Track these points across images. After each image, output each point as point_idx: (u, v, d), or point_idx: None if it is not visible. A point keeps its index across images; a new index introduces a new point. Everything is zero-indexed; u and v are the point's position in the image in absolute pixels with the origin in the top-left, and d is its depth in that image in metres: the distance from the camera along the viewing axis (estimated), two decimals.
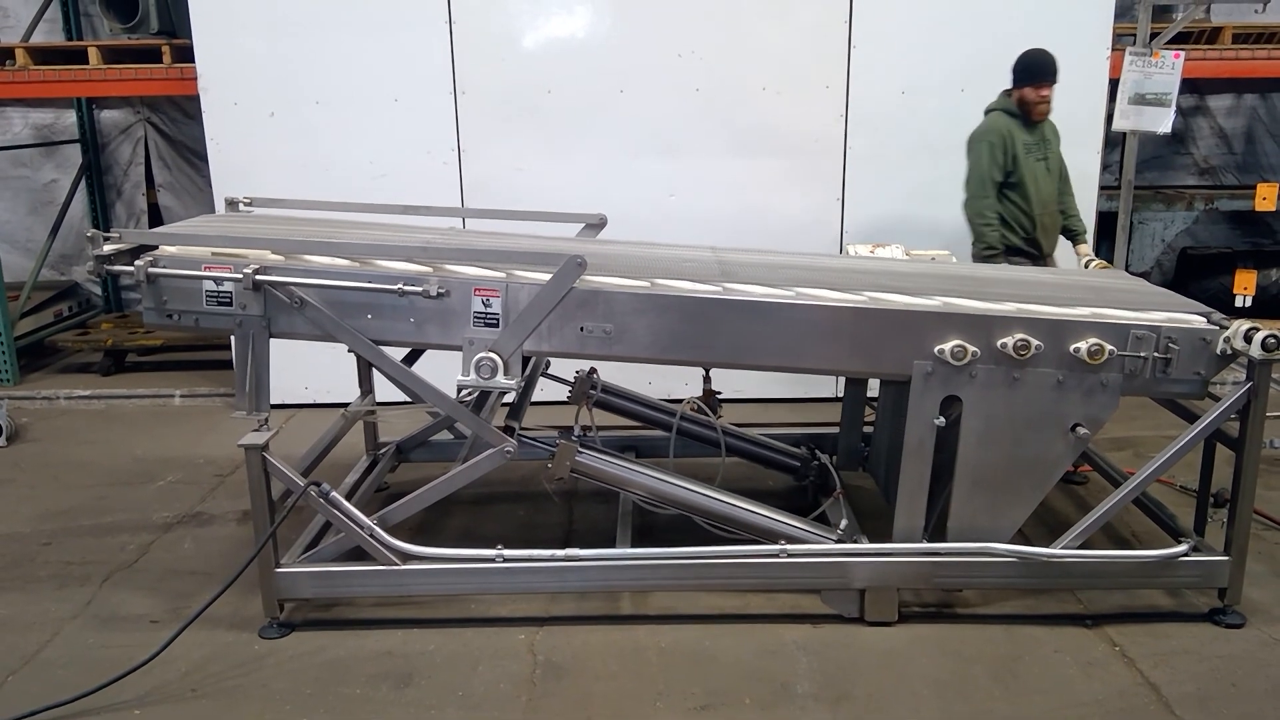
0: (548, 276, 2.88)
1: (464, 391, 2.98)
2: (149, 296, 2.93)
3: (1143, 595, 3.22)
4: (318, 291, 2.91)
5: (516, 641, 3.02)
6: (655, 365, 3.62)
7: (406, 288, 2.85)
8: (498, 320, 2.91)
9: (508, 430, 3.06)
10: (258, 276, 2.85)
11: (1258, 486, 3.02)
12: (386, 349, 3.02)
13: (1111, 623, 3.09)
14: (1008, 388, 2.95)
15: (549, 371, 3.86)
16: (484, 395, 3.26)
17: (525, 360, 3.00)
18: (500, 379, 2.88)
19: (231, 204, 3.80)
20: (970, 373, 2.93)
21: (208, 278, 2.90)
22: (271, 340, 2.96)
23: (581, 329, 2.92)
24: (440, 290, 2.87)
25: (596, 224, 3.87)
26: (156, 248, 2.99)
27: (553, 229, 3.94)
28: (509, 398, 3.35)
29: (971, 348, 2.89)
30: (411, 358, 3.53)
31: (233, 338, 2.97)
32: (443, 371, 3.08)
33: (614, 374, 3.72)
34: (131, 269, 2.88)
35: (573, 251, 2.90)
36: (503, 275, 2.95)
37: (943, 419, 2.95)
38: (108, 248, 2.92)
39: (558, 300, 2.87)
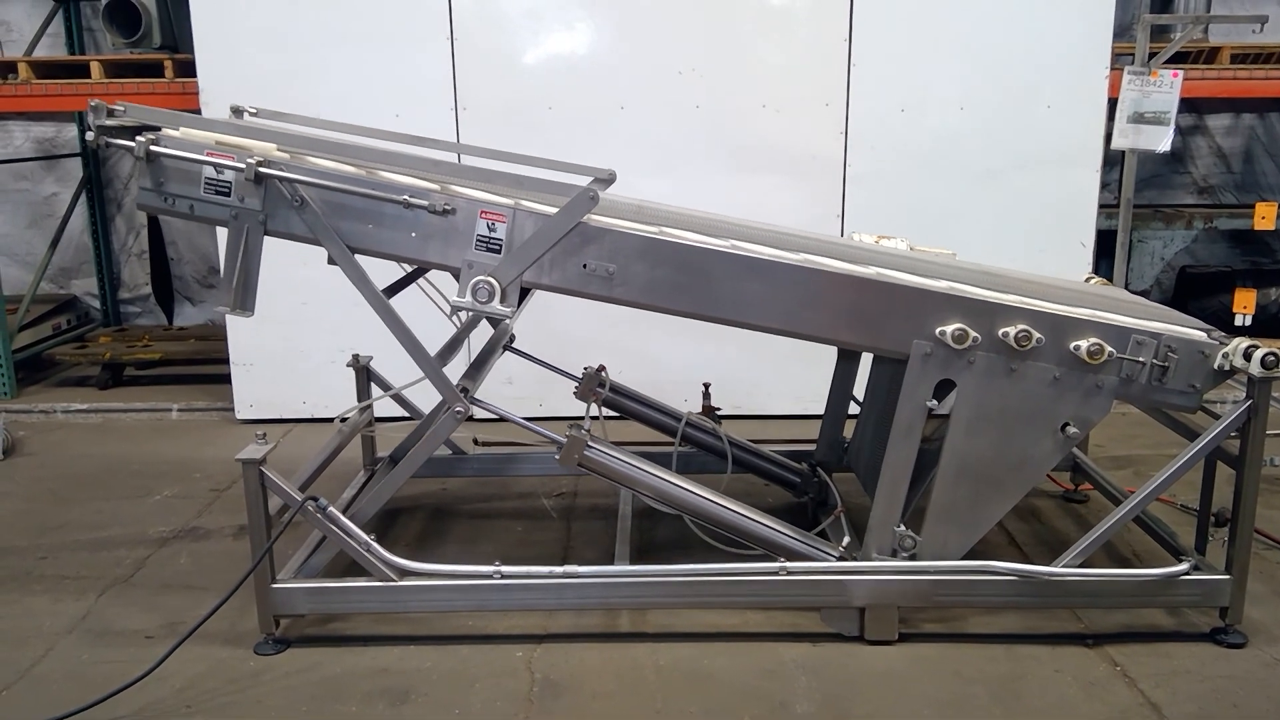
0: (556, 210, 2.84)
1: (457, 314, 2.90)
2: (146, 176, 2.86)
3: (1144, 614, 3.20)
4: (321, 192, 2.84)
5: (514, 659, 3.00)
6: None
7: (413, 200, 2.80)
8: (500, 246, 2.88)
9: (462, 391, 3.02)
10: (261, 169, 2.79)
11: (1258, 505, 3.01)
12: (370, 271, 2.93)
13: (1112, 642, 3.08)
14: (1005, 378, 2.93)
15: (563, 369, 3.78)
16: (446, 356, 3.12)
17: (524, 292, 2.95)
18: (496, 305, 2.84)
19: (236, 111, 3.73)
20: (969, 358, 2.91)
21: (209, 163, 2.83)
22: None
23: (585, 266, 2.88)
24: (446, 206, 2.82)
25: (606, 178, 3.85)
26: (160, 130, 2.91)
27: (559, 179, 3.90)
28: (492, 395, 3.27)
29: (973, 333, 2.87)
30: (391, 294, 3.38)
31: (225, 230, 2.89)
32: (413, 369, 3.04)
33: (617, 376, 3.72)
34: (133, 144, 2.80)
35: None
36: (511, 203, 2.91)
37: (935, 401, 2.93)
38: (111, 120, 2.83)
39: (565, 231, 2.83)
